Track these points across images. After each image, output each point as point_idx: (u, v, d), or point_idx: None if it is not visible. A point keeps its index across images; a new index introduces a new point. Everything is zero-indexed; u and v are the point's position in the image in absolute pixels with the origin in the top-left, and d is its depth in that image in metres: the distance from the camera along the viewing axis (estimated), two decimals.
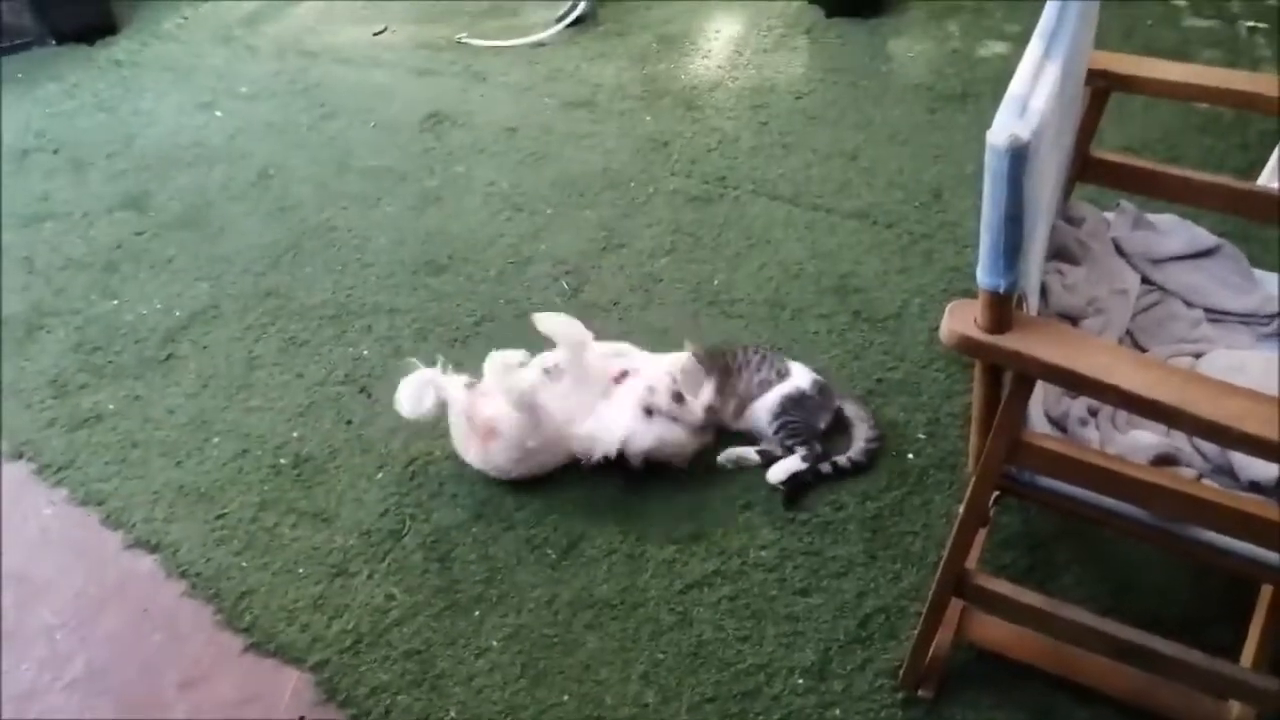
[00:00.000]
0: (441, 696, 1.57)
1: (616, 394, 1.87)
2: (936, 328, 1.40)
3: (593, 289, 2.29)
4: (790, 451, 1.84)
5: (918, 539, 1.72)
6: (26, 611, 1.74)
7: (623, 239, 2.43)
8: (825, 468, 1.81)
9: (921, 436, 1.89)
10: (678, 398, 1.82)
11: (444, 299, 2.30)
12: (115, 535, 1.85)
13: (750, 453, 1.87)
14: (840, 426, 1.92)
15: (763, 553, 1.72)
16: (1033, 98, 0.96)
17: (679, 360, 1.91)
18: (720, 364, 1.93)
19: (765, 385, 1.90)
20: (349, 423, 2.02)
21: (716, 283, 2.28)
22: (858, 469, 1.82)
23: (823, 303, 2.20)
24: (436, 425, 1.97)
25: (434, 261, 2.42)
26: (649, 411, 1.81)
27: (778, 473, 1.83)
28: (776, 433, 1.85)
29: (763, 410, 1.88)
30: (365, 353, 2.18)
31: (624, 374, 1.90)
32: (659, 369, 1.90)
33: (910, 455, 1.86)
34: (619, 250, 2.40)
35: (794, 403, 1.87)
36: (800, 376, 1.91)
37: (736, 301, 2.22)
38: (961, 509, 1.25)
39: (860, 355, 2.07)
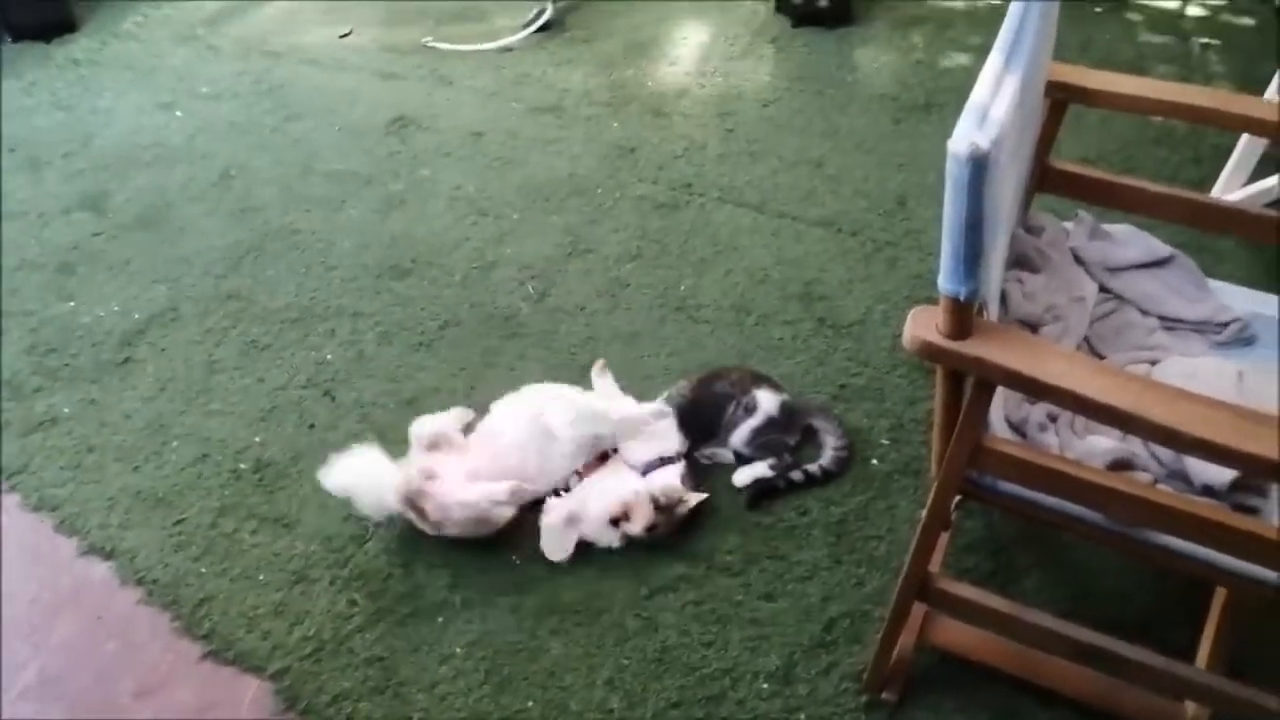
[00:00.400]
0: (404, 704, 1.56)
1: (590, 481, 1.79)
2: (900, 334, 1.42)
3: (559, 294, 2.29)
4: (748, 453, 1.86)
5: (882, 543, 1.73)
6: None
7: (589, 244, 2.43)
8: (797, 475, 1.82)
9: (885, 442, 1.91)
10: (650, 529, 1.72)
11: (408, 303, 2.29)
12: (70, 541, 1.81)
13: (727, 453, 1.88)
14: (809, 438, 1.93)
15: (728, 557, 1.73)
16: (993, 107, 0.98)
17: (663, 480, 1.77)
18: (707, 404, 1.89)
19: (731, 426, 1.88)
20: (311, 426, 2.00)
21: (683, 288, 2.29)
22: (828, 477, 1.84)
23: (788, 309, 2.22)
24: (401, 428, 1.96)
25: (398, 265, 2.40)
26: (615, 523, 1.72)
27: (743, 477, 1.84)
28: (755, 450, 1.87)
29: (737, 444, 1.87)
30: (329, 356, 2.16)
31: (604, 456, 1.83)
32: (641, 485, 1.76)
33: (874, 461, 1.87)
34: (585, 255, 2.40)
35: (762, 432, 1.87)
36: (767, 403, 1.89)
37: (703, 307, 2.23)
38: (924, 513, 1.26)
39: (824, 361, 2.09)
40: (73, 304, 2.33)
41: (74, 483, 1.91)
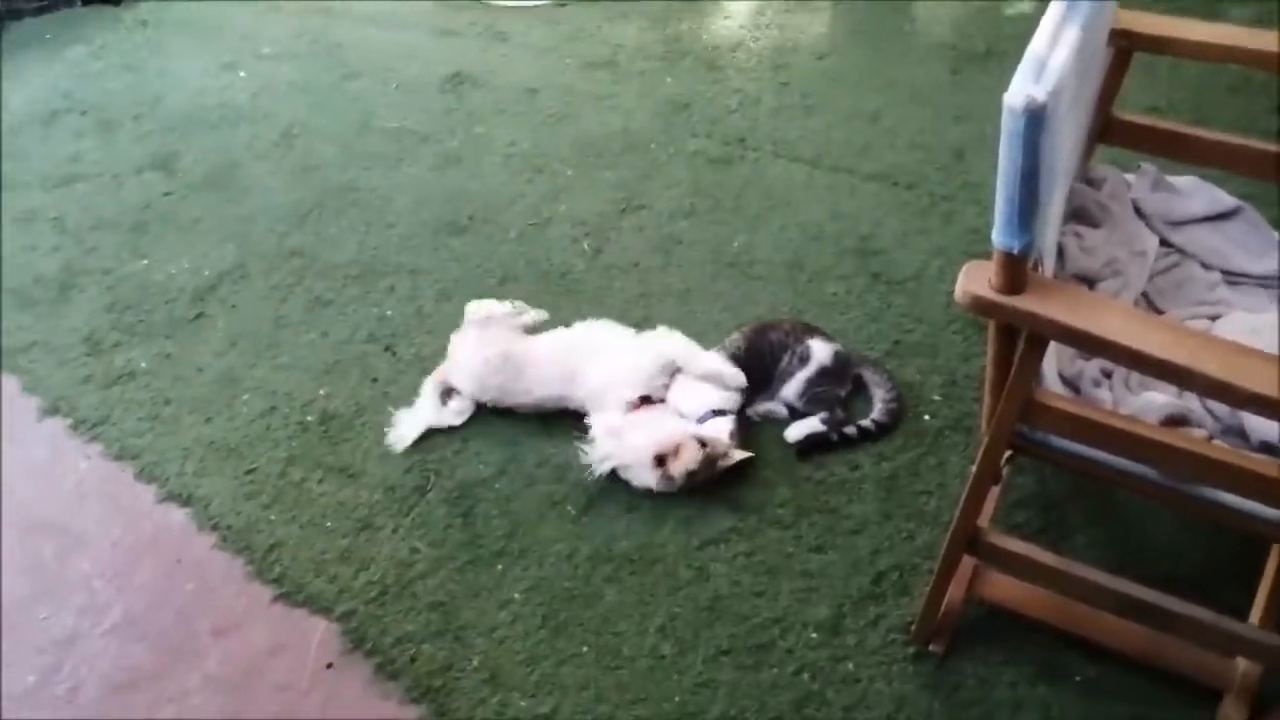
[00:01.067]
0: (464, 646, 1.62)
1: (633, 419, 1.82)
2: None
3: (612, 250, 2.31)
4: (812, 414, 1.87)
5: (932, 499, 1.74)
6: (66, 562, 1.80)
7: (643, 200, 2.44)
8: (850, 430, 1.83)
9: (938, 398, 1.90)
10: (691, 474, 1.74)
11: (465, 260, 2.33)
12: (149, 489, 1.90)
13: (780, 408, 1.90)
14: (859, 391, 1.94)
15: (779, 510, 1.75)
16: (1051, 58, 0.97)
17: (716, 429, 1.81)
18: (759, 352, 1.91)
19: (786, 375, 1.90)
20: (374, 380, 2.06)
21: (736, 244, 2.29)
22: (881, 430, 1.84)
23: (842, 265, 2.21)
24: None
25: (455, 222, 2.43)
26: (659, 462, 1.75)
27: (795, 432, 1.85)
28: (806, 404, 1.88)
29: (790, 396, 1.89)
30: (389, 312, 2.21)
31: (644, 400, 1.86)
32: (691, 429, 1.79)
33: (926, 417, 1.87)
34: (639, 212, 2.41)
35: (815, 381, 1.88)
36: (820, 353, 1.91)
37: (756, 263, 2.23)
38: (974, 467, 1.26)
39: (878, 317, 2.08)
40: (146, 262, 2.41)
41: (151, 433, 2.00)
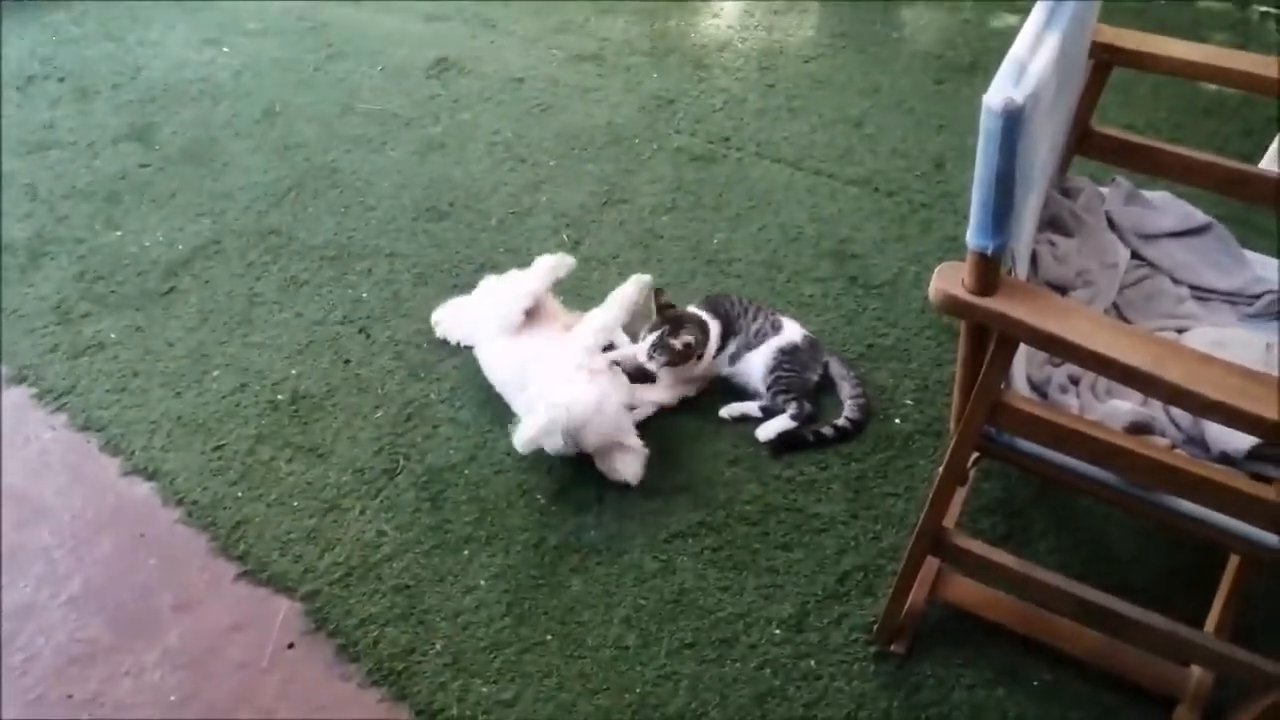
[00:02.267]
0: (428, 630, 1.62)
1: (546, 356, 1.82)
2: None
3: (592, 242, 2.31)
4: (780, 409, 1.88)
5: (899, 501, 1.76)
6: (26, 531, 1.78)
7: (624, 194, 2.45)
8: (826, 430, 1.85)
9: (909, 402, 1.93)
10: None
11: (444, 245, 2.33)
12: (114, 461, 1.88)
13: (753, 407, 1.91)
14: (827, 384, 1.96)
15: (747, 507, 1.76)
16: (1032, 63, 0.99)
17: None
18: (723, 310, 1.96)
19: (761, 336, 1.94)
20: (347, 362, 2.05)
21: (716, 242, 2.31)
22: (855, 428, 1.86)
23: (819, 267, 2.23)
24: (434, 368, 2.01)
25: (435, 208, 2.43)
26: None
27: (767, 431, 1.87)
28: (770, 386, 1.89)
29: (758, 361, 1.91)
30: (364, 295, 2.21)
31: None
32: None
33: (897, 420, 1.90)
34: (620, 205, 2.42)
35: (787, 355, 1.91)
36: (791, 331, 1.95)
37: (734, 261, 2.25)
38: (941, 468, 1.28)
39: (853, 320, 2.10)
40: (119, 233, 2.39)
41: (119, 405, 1.98)
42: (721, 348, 1.94)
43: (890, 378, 1.97)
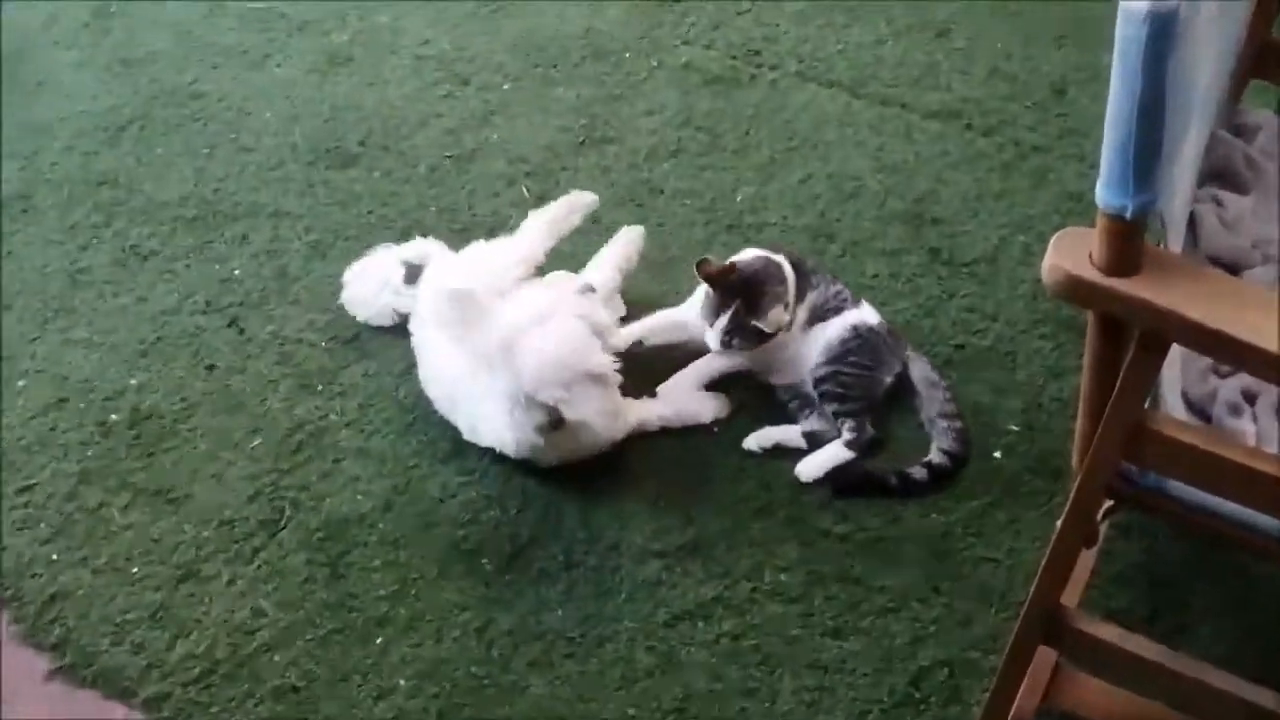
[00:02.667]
0: None
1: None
2: None
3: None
4: (827, 433, 1.90)
5: (999, 569, 1.76)
6: None
7: (610, 132, 2.45)
8: (916, 473, 1.85)
9: (1014, 429, 1.93)
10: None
11: (352, 202, 2.32)
12: None
13: (793, 434, 1.92)
14: (901, 395, 1.97)
15: (782, 576, 1.76)
16: None
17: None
18: (793, 257, 1.98)
19: (840, 301, 1.96)
20: (211, 368, 2.05)
21: (740, 199, 2.31)
22: (954, 464, 1.86)
23: (887, 235, 2.23)
24: (336, 376, 2.01)
25: (341, 149, 2.43)
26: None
27: (811, 467, 1.87)
28: (823, 385, 1.91)
29: (822, 341, 1.93)
30: (237, 271, 2.20)
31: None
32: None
33: (996, 454, 1.90)
34: (603, 147, 2.42)
35: (861, 340, 1.92)
36: (869, 312, 1.98)
37: (766, 226, 2.25)
38: (1060, 521, 1.28)
39: (935, 311, 2.10)
40: None
41: None
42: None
43: (987, 393, 1.98)
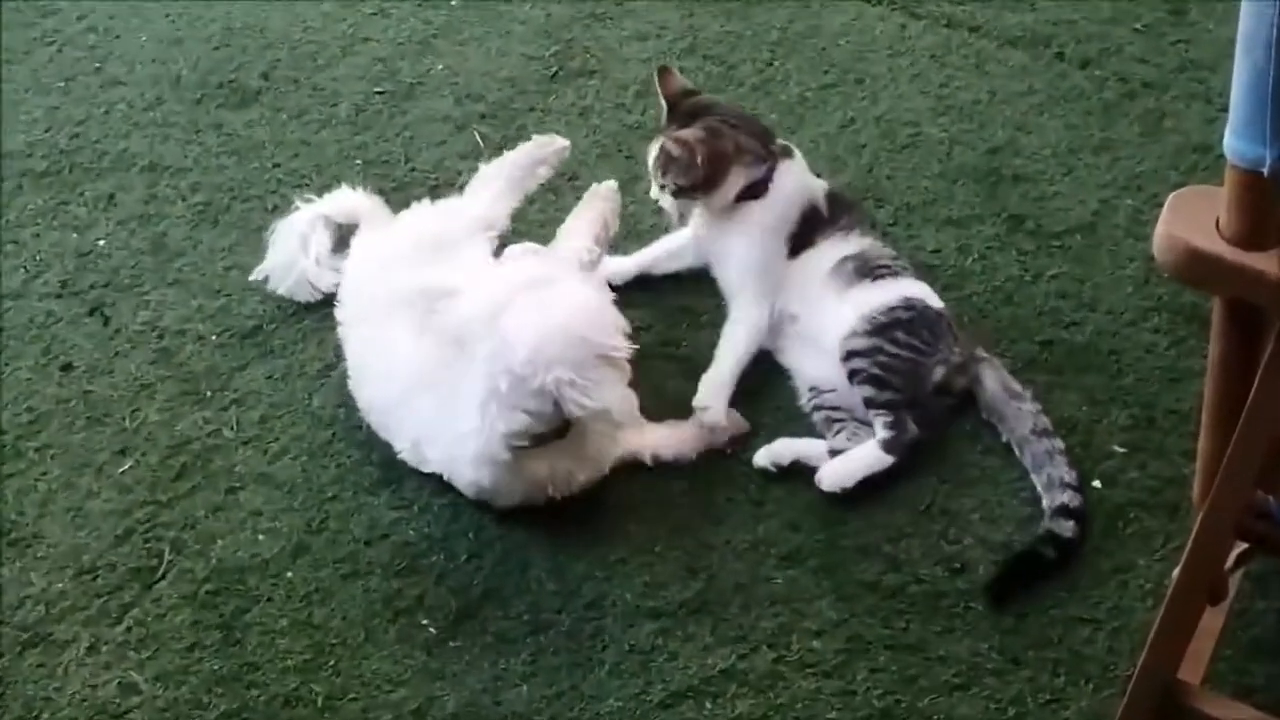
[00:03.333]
0: None
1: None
2: None
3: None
4: (852, 430, 1.93)
5: (1098, 634, 1.76)
6: None
7: (590, 61, 2.47)
8: (1048, 552, 1.81)
9: (1117, 450, 1.94)
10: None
11: (251, 153, 2.34)
12: None
13: (817, 450, 1.93)
14: (965, 413, 1.98)
15: (815, 643, 1.76)
16: None
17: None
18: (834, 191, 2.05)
19: (884, 267, 1.98)
20: (68, 368, 2.06)
21: None
22: (1078, 523, 1.84)
23: (954, 197, 2.24)
24: (230, 380, 2.01)
25: (237, 83, 2.44)
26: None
27: (836, 475, 1.89)
28: (856, 357, 1.92)
29: (863, 302, 1.94)
30: (101, 243, 2.21)
31: None
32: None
33: (1095, 483, 1.90)
34: (582, 81, 2.44)
35: (909, 316, 1.93)
36: (929, 292, 1.99)
37: None
38: (1178, 571, 1.29)
39: (1016, 296, 2.11)
40: None
41: None
42: (808, 237, 2.01)
43: (1084, 404, 1.98)
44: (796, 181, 2.03)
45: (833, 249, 2.00)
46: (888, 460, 1.89)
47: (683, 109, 1.99)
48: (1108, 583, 1.81)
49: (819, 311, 1.98)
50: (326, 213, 2.10)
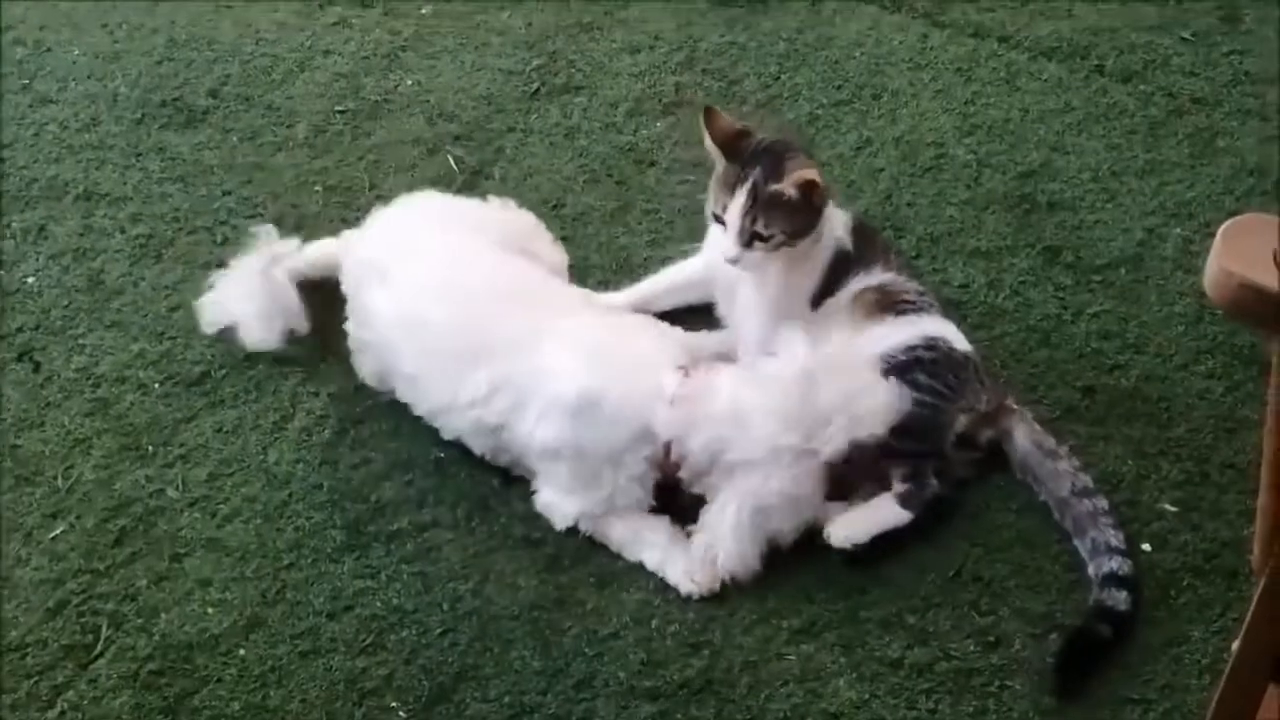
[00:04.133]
0: None
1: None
2: None
3: (509, 170, 2.34)
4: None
5: (1151, 714, 1.75)
6: None
7: (576, 76, 2.48)
8: (1104, 630, 1.81)
9: (1169, 509, 1.94)
10: None
11: (198, 179, 2.35)
12: None
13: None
14: (991, 458, 1.98)
15: None
16: None
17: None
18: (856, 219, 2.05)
19: (910, 305, 1.99)
20: None
21: None
22: (1132, 595, 1.84)
23: (982, 226, 2.25)
24: (175, 432, 2.02)
25: (182, 101, 2.45)
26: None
27: (848, 530, 1.89)
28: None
29: (884, 339, 1.94)
30: (30, 280, 2.22)
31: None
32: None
33: (1145, 546, 1.90)
34: (567, 96, 2.45)
35: (937, 355, 1.93)
36: (954, 332, 1.99)
37: None
38: (1237, 643, 1.29)
39: (1053, 337, 2.12)
40: None
41: None
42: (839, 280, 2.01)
43: (1130, 458, 1.99)
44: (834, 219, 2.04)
45: (856, 283, 2.00)
46: (904, 516, 1.90)
47: (748, 150, 1.95)
48: (1159, 658, 1.81)
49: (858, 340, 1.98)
50: (300, 268, 2.11)
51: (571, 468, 1.87)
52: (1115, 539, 1.86)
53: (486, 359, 1.90)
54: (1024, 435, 1.97)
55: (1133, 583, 1.83)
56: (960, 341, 1.98)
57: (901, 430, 1.89)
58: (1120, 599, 1.81)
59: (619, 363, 1.89)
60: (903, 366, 1.92)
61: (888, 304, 1.98)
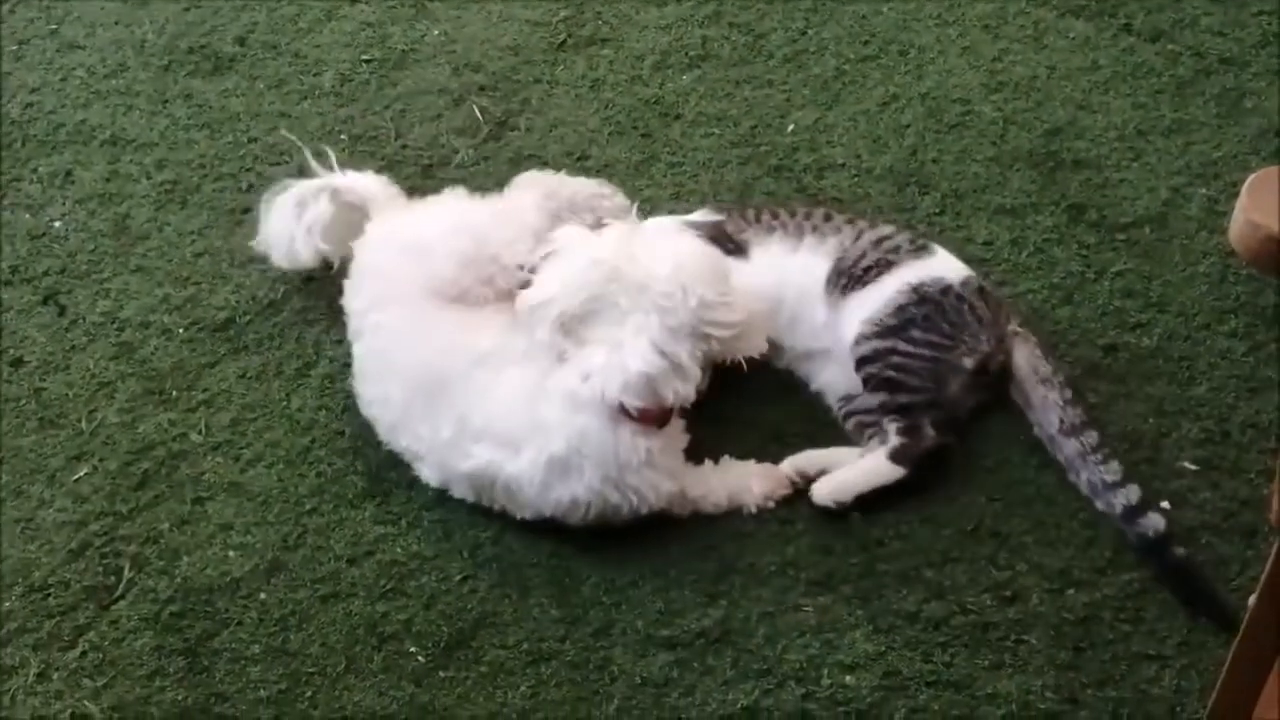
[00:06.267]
0: None
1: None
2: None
3: (534, 123, 2.34)
4: (867, 433, 1.94)
5: (1166, 671, 1.76)
6: None
7: (602, 28, 2.48)
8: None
9: (1189, 467, 1.94)
10: None
11: (224, 125, 2.35)
12: None
13: (846, 458, 1.94)
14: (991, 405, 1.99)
15: (848, 678, 1.76)
16: None
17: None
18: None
19: (879, 264, 1.97)
20: (18, 364, 2.07)
21: (791, 129, 2.32)
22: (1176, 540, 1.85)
23: (1007, 184, 2.25)
24: (199, 377, 2.02)
25: (209, 49, 2.45)
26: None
27: (833, 488, 1.90)
28: (867, 363, 1.93)
29: (865, 307, 1.94)
30: (56, 224, 2.22)
31: None
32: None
33: (1164, 503, 1.89)
34: (592, 50, 2.45)
35: (927, 305, 1.94)
36: (944, 265, 1.99)
37: (828, 169, 2.27)
38: (1254, 600, 1.29)
39: (1076, 295, 2.12)
40: None
41: None
42: None
43: (1150, 416, 1.99)
44: None
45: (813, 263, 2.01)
46: (898, 472, 1.90)
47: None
48: (1176, 614, 1.81)
49: (832, 329, 1.99)
50: (338, 186, 2.09)
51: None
52: (1111, 474, 1.87)
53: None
54: (1023, 357, 1.98)
55: (1154, 504, 1.86)
56: (949, 273, 1.99)
57: (898, 384, 1.90)
58: (1154, 522, 1.83)
59: None
60: (893, 329, 1.93)
61: (854, 275, 1.98)
